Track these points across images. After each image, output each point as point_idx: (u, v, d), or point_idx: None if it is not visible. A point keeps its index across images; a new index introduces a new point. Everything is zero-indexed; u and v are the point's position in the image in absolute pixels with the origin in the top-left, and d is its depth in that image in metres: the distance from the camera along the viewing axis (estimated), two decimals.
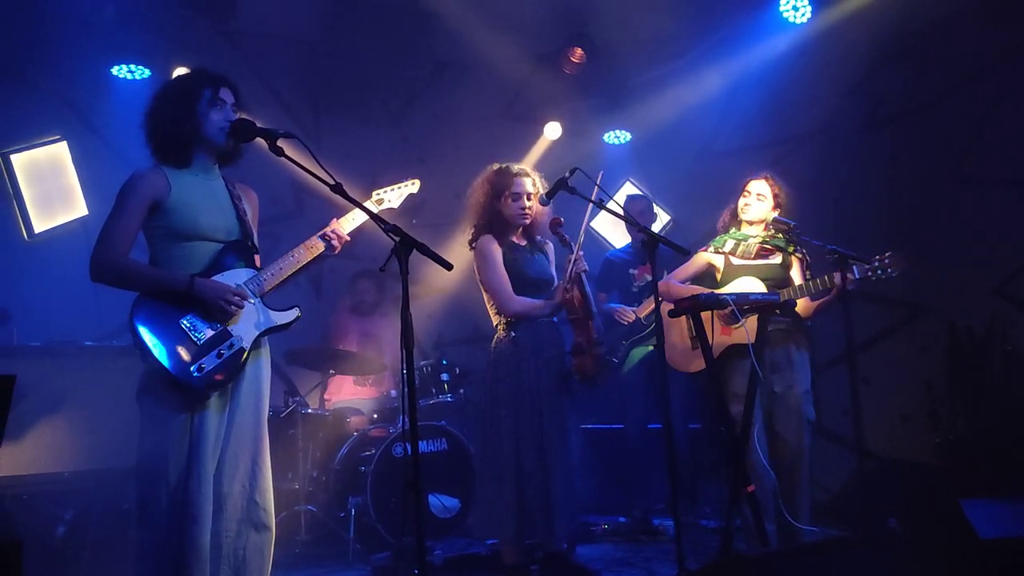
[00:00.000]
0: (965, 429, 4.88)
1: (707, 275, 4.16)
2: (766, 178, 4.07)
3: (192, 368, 2.57)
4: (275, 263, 2.84)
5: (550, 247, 4.01)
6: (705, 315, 3.66)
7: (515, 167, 3.86)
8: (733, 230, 4.11)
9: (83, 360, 4.39)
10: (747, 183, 4.08)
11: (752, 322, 3.75)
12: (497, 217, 3.80)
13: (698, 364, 3.91)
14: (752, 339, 3.67)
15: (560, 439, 3.63)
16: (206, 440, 2.60)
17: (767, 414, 3.86)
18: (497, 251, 3.75)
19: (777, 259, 4.00)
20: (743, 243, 4.01)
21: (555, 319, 3.81)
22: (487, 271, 3.74)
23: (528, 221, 3.81)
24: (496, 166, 3.88)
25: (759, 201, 4.03)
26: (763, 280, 3.91)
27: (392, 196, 3.25)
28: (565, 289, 3.60)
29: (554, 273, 3.93)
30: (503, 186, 3.78)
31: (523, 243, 3.88)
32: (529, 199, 3.77)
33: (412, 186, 3.32)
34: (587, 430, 5.86)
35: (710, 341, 3.62)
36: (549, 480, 3.56)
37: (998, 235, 4.94)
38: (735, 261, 4.02)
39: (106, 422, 4.16)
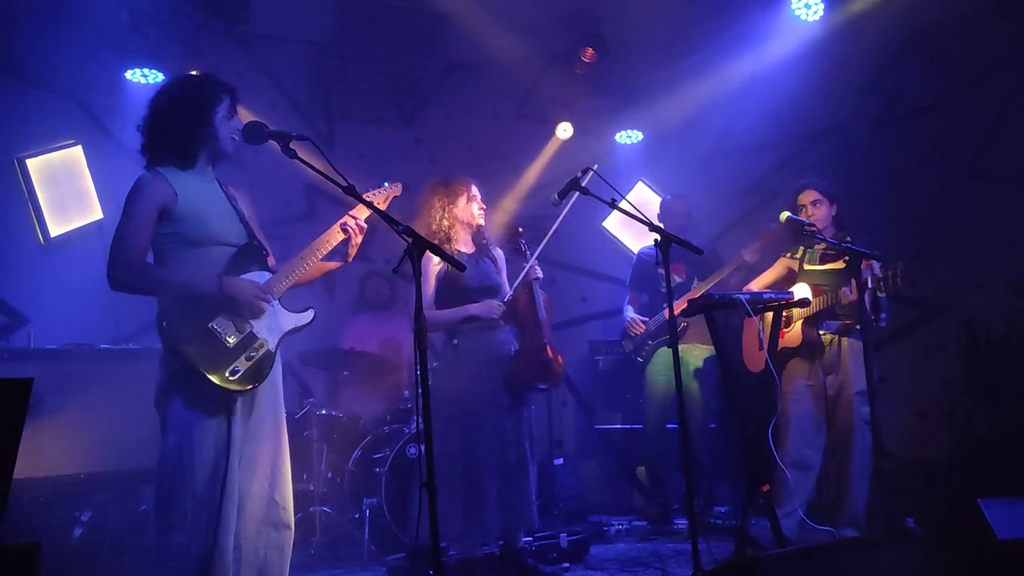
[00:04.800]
0: (983, 428, 4.85)
1: (788, 280, 4.32)
2: (810, 187, 4.21)
3: (227, 371, 2.58)
4: (288, 265, 2.83)
5: (499, 253, 4.11)
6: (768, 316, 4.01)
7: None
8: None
9: (99, 363, 4.39)
10: (797, 196, 4.23)
11: (797, 326, 4.09)
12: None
13: (757, 364, 4.11)
14: (797, 342, 4.06)
15: (494, 442, 3.73)
16: (233, 442, 2.59)
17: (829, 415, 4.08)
18: (430, 267, 3.85)
19: (840, 264, 4.07)
20: (810, 250, 4.21)
21: (503, 326, 3.93)
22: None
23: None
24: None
25: (816, 208, 4.18)
26: (823, 285, 4.05)
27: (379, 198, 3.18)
28: (513, 296, 3.84)
29: (500, 280, 4.01)
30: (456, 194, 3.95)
31: (470, 251, 3.96)
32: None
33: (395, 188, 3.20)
34: (605, 430, 5.89)
35: (773, 342, 3.94)
36: (475, 481, 3.67)
37: (1016, 232, 4.90)
38: (806, 267, 4.21)
39: (123, 424, 4.17)
